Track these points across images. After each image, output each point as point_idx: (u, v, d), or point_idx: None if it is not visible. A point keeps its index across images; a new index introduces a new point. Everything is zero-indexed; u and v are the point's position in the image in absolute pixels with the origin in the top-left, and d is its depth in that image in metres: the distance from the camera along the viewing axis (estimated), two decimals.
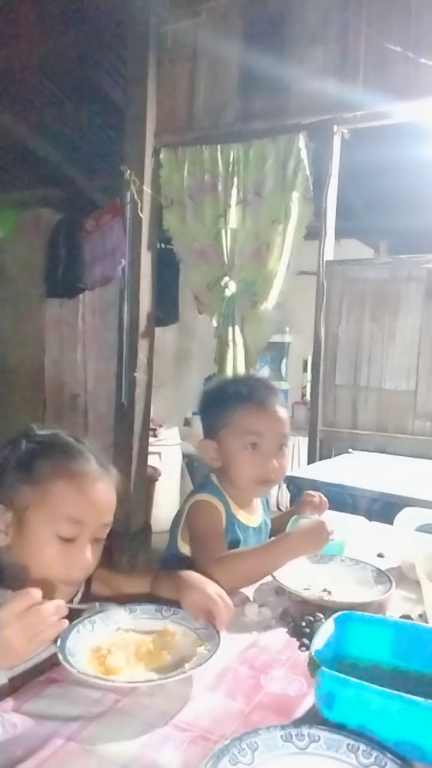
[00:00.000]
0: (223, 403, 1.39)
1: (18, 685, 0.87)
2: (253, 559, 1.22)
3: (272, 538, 1.30)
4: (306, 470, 2.54)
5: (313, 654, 0.82)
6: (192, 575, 1.06)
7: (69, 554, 0.97)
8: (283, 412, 1.40)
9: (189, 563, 1.27)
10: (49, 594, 0.90)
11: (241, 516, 1.40)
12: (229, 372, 3.00)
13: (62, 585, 0.98)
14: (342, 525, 1.51)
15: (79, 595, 1.07)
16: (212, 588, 1.02)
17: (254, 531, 1.44)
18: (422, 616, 1.10)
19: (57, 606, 0.85)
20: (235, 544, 1.35)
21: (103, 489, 1.01)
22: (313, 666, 0.80)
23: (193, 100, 3.17)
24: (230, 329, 3.03)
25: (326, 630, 0.89)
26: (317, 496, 1.56)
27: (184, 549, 1.36)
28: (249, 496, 1.44)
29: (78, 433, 1.09)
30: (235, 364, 3.03)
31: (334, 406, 2.99)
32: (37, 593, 0.84)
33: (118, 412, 3.42)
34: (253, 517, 1.45)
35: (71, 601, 1.03)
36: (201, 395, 1.49)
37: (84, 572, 1.00)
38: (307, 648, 0.99)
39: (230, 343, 3.02)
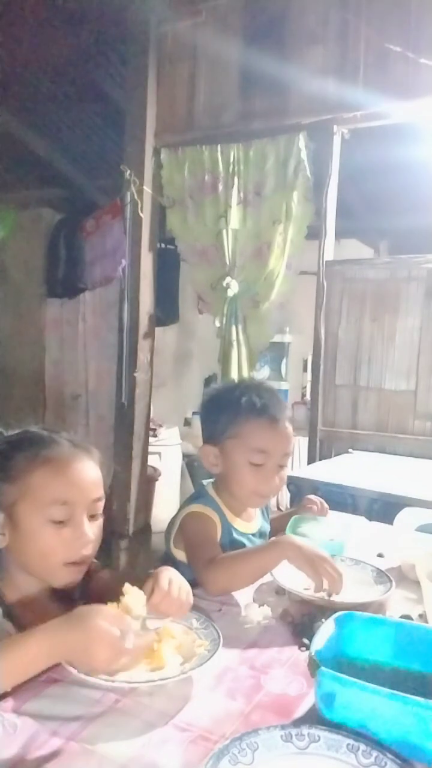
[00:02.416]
0: (232, 411, 1.35)
1: (18, 685, 0.87)
2: (246, 561, 1.20)
3: (266, 541, 1.29)
4: (306, 470, 2.54)
5: (313, 654, 0.82)
6: (163, 571, 1.04)
7: (67, 535, 0.98)
8: (290, 429, 1.38)
9: (183, 570, 1.27)
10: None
11: (238, 524, 1.40)
12: (233, 372, 3.01)
13: (69, 568, 0.99)
14: (342, 525, 1.51)
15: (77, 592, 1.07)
16: (165, 576, 1.00)
17: (252, 538, 1.43)
18: (422, 616, 1.10)
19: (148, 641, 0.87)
20: (233, 550, 1.34)
21: (83, 466, 1.02)
22: (313, 666, 0.80)
23: (193, 100, 3.17)
24: (233, 329, 3.04)
25: (326, 630, 0.89)
26: (318, 502, 1.55)
27: (179, 556, 1.36)
28: (246, 506, 1.44)
29: (49, 426, 1.11)
30: (240, 365, 3.04)
31: (334, 406, 2.99)
32: (129, 623, 0.84)
33: (118, 412, 3.42)
34: (250, 524, 1.45)
35: (72, 597, 1.04)
36: (205, 397, 1.45)
37: (87, 548, 1.00)
38: (307, 648, 0.99)
39: (234, 343, 3.03)
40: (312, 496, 1.59)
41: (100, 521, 1.04)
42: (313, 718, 0.78)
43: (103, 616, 0.82)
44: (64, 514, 0.98)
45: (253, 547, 1.30)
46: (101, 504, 1.03)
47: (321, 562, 1.12)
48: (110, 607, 0.86)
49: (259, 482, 1.33)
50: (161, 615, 0.96)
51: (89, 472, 1.03)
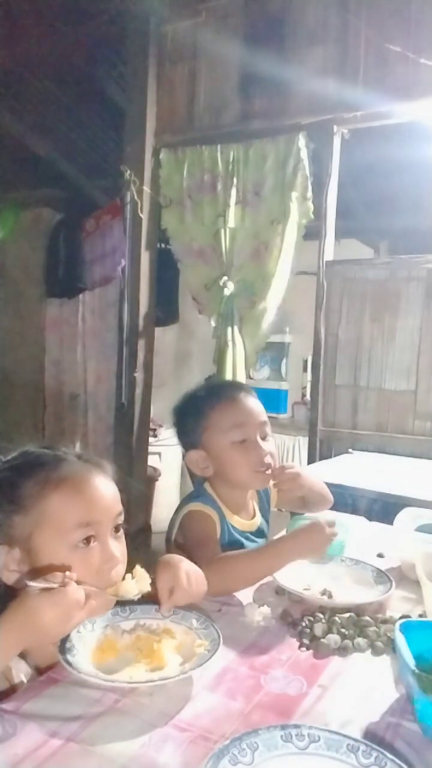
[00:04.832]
0: (198, 409, 1.39)
1: (18, 686, 0.87)
2: (248, 562, 1.21)
3: (269, 541, 1.29)
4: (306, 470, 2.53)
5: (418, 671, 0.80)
6: (169, 556, 1.05)
7: (95, 558, 0.92)
8: (257, 403, 1.41)
9: None
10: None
11: (236, 522, 1.40)
12: (228, 372, 3.00)
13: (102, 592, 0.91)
14: (342, 525, 1.51)
15: None
16: (185, 567, 1.01)
17: (250, 537, 1.43)
18: (422, 616, 1.10)
19: (87, 590, 0.84)
20: (232, 549, 1.34)
21: (98, 482, 0.96)
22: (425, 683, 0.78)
23: (193, 100, 3.17)
24: (229, 329, 3.03)
25: (403, 641, 0.87)
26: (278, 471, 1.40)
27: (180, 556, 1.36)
28: (253, 488, 1.44)
29: (48, 443, 1.03)
30: (235, 365, 3.03)
31: (334, 406, 2.99)
32: (65, 576, 0.83)
33: (118, 412, 3.42)
34: (250, 522, 1.45)
35: None
36: (173, 412, 1.48)
37: (118, 566, 0.95)
38: (308, 648, 0.99)
39: (229, 343, 3.02)
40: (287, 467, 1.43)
41: (123, 535, 0.99)
42: (313, 718, 0.78)
43: (35, 584, 0.81)
44: (86, 534, 0.91)
45: (256, 548, 1.30)
46: (122, 517, 0.98)
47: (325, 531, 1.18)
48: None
49: (250, 456, 1.34)
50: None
51: (106, 488, 0.96)
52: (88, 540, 0.91)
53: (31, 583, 0.82)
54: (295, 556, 1.21)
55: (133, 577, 0.94)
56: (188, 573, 1.00)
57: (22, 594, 0.82)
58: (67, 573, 0.84)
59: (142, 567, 0.97)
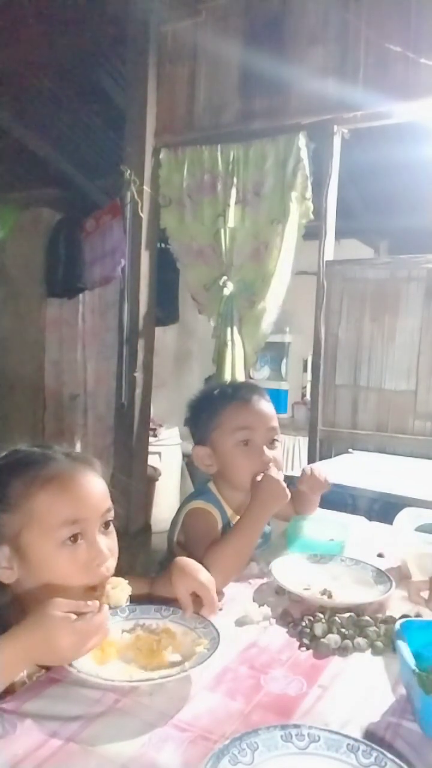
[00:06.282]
0: (210, 406, 1.41)
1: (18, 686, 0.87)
2: (233, 540, 1.25)
3: (240, 518, 1.33)
4: None
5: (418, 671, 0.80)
6: (184, 561, 1.06)
7: (82, 554, 0.92)
8: (269, 407, 1.42)
9: None
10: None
11: None
12: (227, 372, 3.00)
13: (91, 592, 0.91)
14: (342, 525, 1.51)
15: None
16: (204, 575, 1.03)
17: None
18: (419, 615, 1.10)
19: (106, 615, 0.85)
20: None
21: (86, 479, 0.97)
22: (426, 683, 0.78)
23: (193, 100, 3.17)
24: (228, 329, 3.03)
25: (403, 641, 0.87)
26: (309, 473, 1.53)
27: (182, 554, 1.36)
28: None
29: (38, 442, 1.04)
30: (234, 364, 3.03)
31: (334, 406, 2.99)
32: (86, 604, 0.83)
33: (118, 412, 3.42)
34: None
35: None
36: (187, 408, 1.50)
37: (108, 562, 0.95)
38: (308, 648, 0.99)
39: (229, 343, 3.02)
40: (307, 468, 1.56)
41: (113, 530, 0.99)
42: (313, 718, 0.78)
43: (54, 606, 0.81)
44: (73, 531, 0.92)
45: (232, 529, 1.32)
46: (111, 513, 0.99)
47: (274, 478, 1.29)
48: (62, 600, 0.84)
49: (253, 460, 1.35)
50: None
51: (94, 485, 0.97)
52: (75, 537, 0.92)
53: (58, 608, 0.81)
54: (267, 514, 1.30)
55: (113, 588, 0.93)
56: (208, 580, 1.03)
57: (43, 610, 0.81)
58: (90, 603, 0.84)
59: (141, 566, 0.97)
